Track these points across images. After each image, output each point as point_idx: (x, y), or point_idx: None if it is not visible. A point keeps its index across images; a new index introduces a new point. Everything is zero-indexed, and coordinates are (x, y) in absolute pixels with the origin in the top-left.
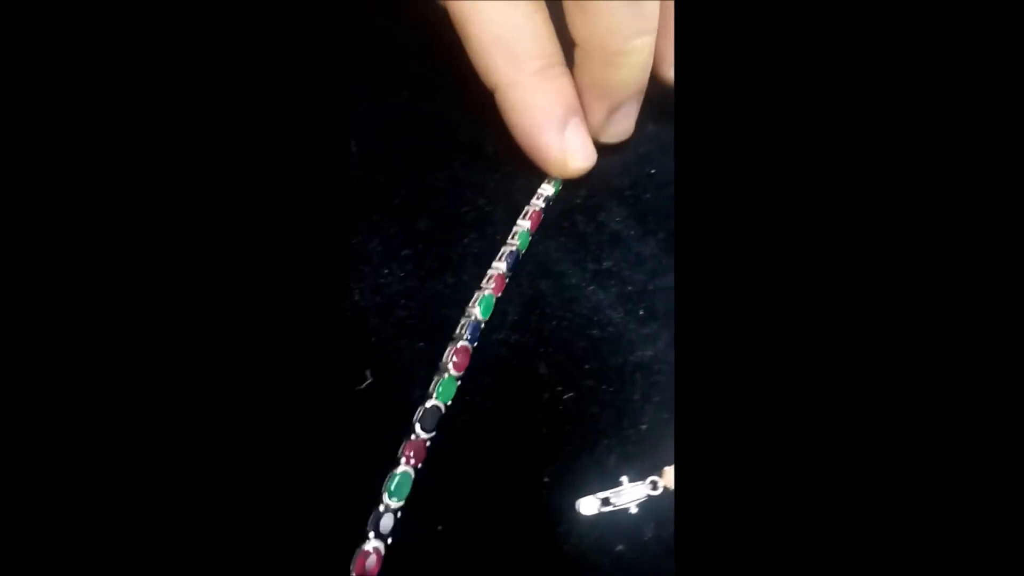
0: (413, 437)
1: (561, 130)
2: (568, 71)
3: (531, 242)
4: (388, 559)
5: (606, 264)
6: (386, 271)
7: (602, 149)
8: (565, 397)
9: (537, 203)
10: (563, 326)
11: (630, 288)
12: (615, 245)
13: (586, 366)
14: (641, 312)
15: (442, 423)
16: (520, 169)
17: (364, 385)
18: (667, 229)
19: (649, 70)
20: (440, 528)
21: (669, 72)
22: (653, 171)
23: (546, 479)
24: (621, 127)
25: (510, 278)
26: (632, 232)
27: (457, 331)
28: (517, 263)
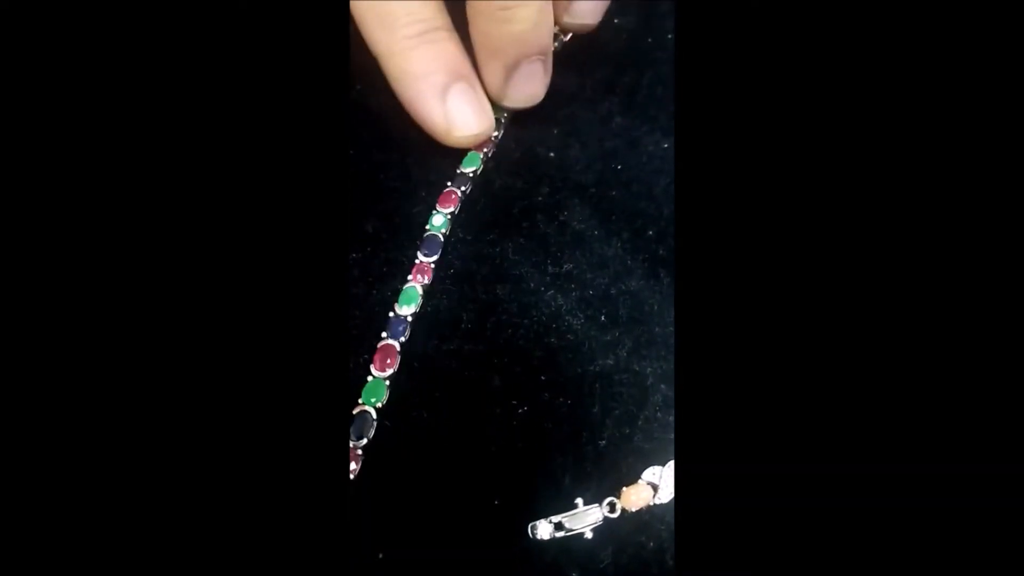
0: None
1: (442, 97)
2: (454, 35)
3: (489, 242)
4: None
5: (567, 267)
6: None
7: (566, 142)
8: (519, 412)
9: (454, 185)
10: (519, 334)
11: (591, 292)
12: (577, 246)
13: (542, 377)
14: (602, 318)
15: (384, 437)
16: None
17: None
18: (632, 229)
19: (546, 26)
20: (381, 556)
21: (569, 19)
22: (619, 167)
23: (496, 501)
24: (525, 90)
25: (464, 282)
26: (595, 232)
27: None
28: (442, 248)
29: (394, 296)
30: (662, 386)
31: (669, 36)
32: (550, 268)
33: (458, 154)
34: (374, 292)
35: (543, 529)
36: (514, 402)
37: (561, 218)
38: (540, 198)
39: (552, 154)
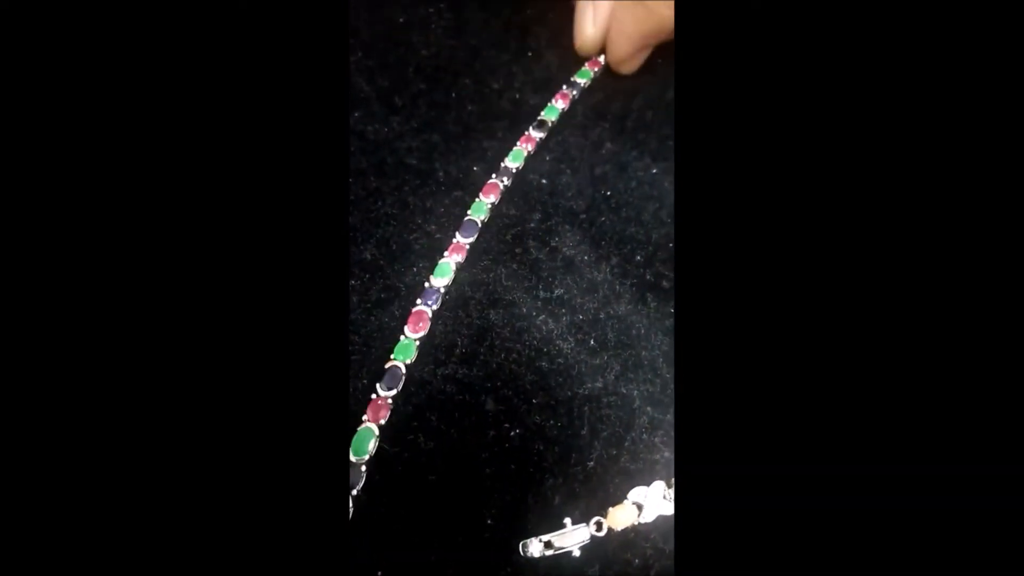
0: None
1: None
2: None
3: (483, 268)
4: None
5: (558, 292)
6: None
7: (558, 168)
8: (512, 434)
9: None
10: (512, 359)
11: (581, 317)
12: (568, 271)
13: (534, 400)
14: (592, 342)
15: (382, 463)
16: (470, 193)
17: None
18: (621, 254)
19: None
20: (380, 574)
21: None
22: (608, 193)
23: (489, 521)
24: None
25: (459, 308)
26: (585, 258)
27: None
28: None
29: (393, 322)
30: (648, 408)
31: (659, 60)
32: (542, 293)
33: (450, 185)
34: (372, 318)
35: (534, 547)
36: (507, 425)
37: (552, 243)
38: (532, 224)
39: (544, 180)
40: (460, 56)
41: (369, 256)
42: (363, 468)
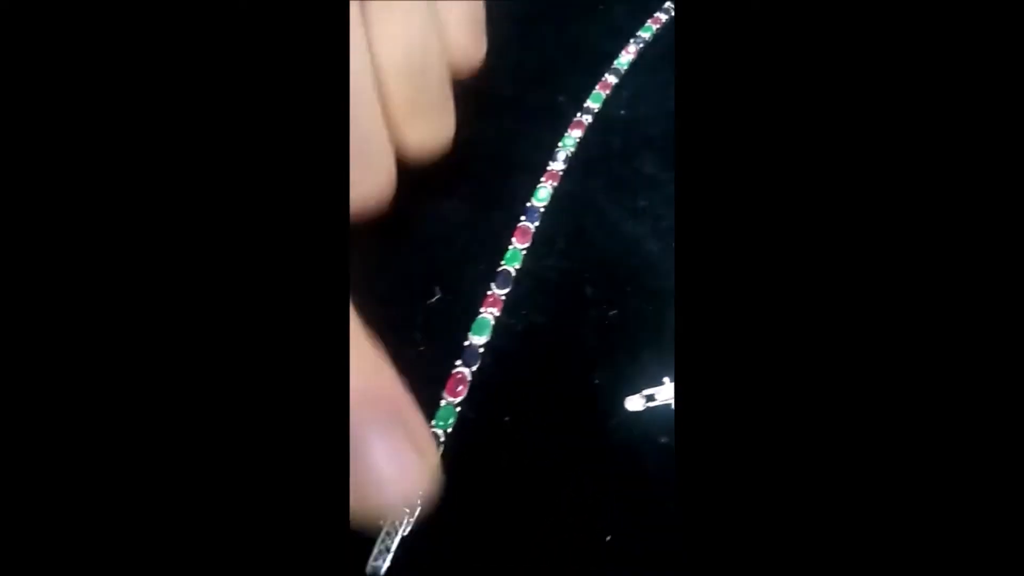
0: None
1: None
2: None
3: (572, 181)
4: (456, 453)
5: (641, 203)
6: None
7: (634, 103)
8: (610, 314)
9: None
10: (605, 255)
11: (664, 224)
12: (649, 187)
13: (627, 288)
14: (674, 244)
15: (499, 332)
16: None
17: (434, 300)
18: None
19: None
20: (507, 419)
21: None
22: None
23: (596, 382)
24: None
25: (557, 213)
26: (663, 176)
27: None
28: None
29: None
30: None
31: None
32: (627, 204)
33: (541, 118)
34: (486, 224)
35: (635, 402)
36: (604, 306)
37: (634, 164)
38: (615, 148)
39: (623, 112)
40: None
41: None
42: (481, 349)
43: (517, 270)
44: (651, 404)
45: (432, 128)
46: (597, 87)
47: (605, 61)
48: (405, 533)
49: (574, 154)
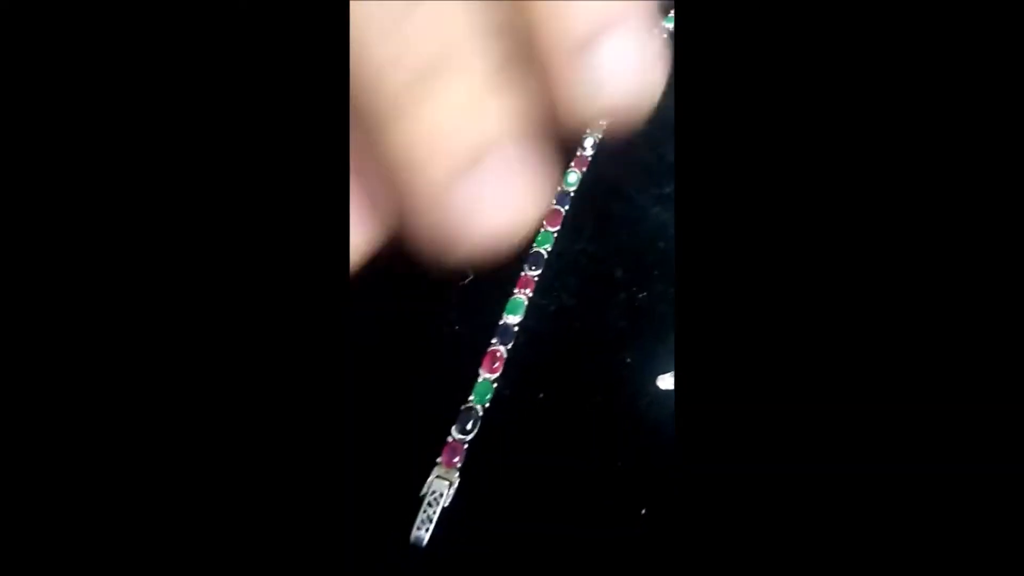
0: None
1: None
2: None
3: (600, 167)
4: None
5: (667, 189)
6: None
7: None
8: (640, 296)
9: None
10: (634, 240)
11: None
12: (674, 174)
13: (655, 272)
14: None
15: (532, 312)
16: None
17: (466, 281)
18: None
19: None
20: (541, 396)
21: None
22: None
23: (628, 360)
24: None
25: (584, 200)
26: None
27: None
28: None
29: None
30: None
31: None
32: (653, 190)
33: None
34: None
35: (667, 380)
36: (634, 288)
37: (659, 151)
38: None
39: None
40: None
41: None
42: (515, 327)
43: (548, 252)
44: None
45: None
46: None
47: None
48: (447, 504)
49: (601, 140)
